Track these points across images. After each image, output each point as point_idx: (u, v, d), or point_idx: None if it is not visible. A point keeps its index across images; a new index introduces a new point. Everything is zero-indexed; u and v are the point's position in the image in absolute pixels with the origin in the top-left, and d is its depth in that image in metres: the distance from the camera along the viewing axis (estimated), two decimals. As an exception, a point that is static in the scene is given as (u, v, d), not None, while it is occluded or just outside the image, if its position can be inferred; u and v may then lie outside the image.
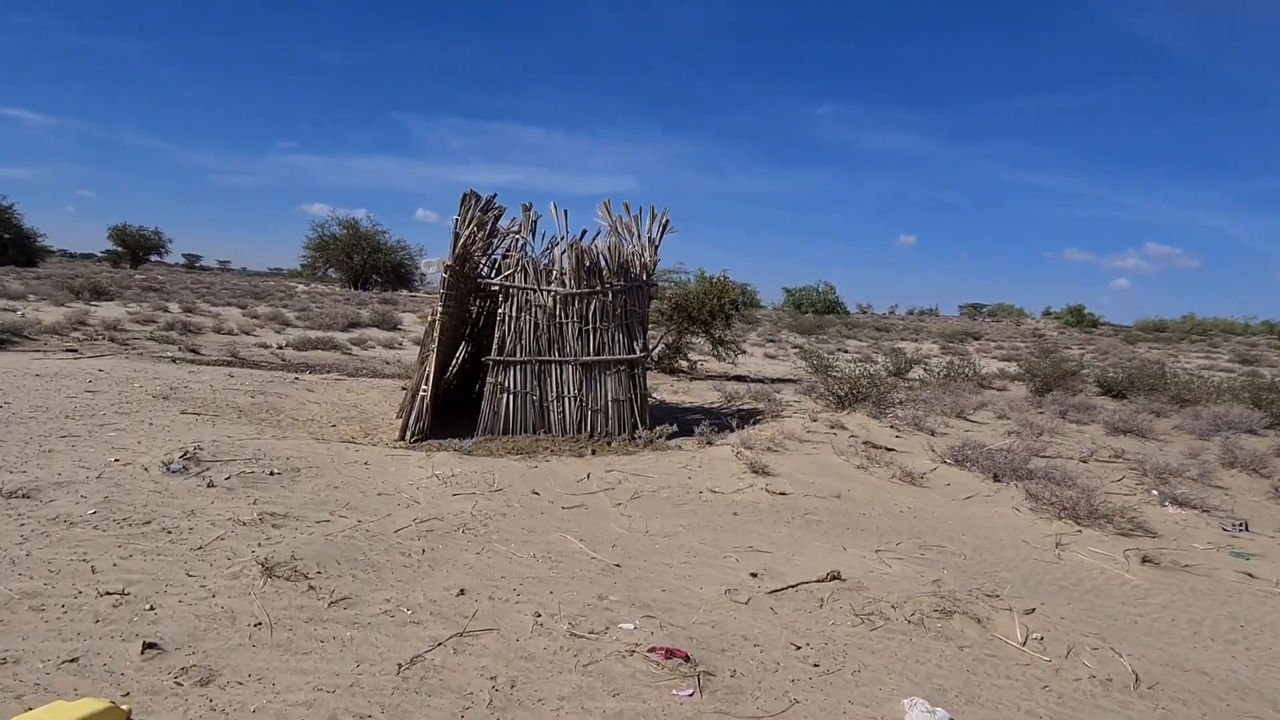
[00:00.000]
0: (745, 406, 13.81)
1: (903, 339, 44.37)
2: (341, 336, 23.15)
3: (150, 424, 8.67)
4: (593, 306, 10.61)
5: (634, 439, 10.51)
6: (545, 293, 10.54)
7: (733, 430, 11.44)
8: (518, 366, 10.40)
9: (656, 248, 11.22)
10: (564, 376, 10.49)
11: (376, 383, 14.62)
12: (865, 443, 9.77)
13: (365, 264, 61.11)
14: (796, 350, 26.64)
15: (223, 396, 11.22)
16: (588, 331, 10.59)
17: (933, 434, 11.07)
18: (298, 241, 64.78)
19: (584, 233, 11.35)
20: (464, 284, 10.83)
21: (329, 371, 15.83)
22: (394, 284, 62.70)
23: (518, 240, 10.78)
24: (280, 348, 20.39)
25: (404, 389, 13.58)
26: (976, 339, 47.99)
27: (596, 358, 10.54)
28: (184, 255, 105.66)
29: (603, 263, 10.71)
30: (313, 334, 22.89)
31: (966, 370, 20.74)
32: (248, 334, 22.96)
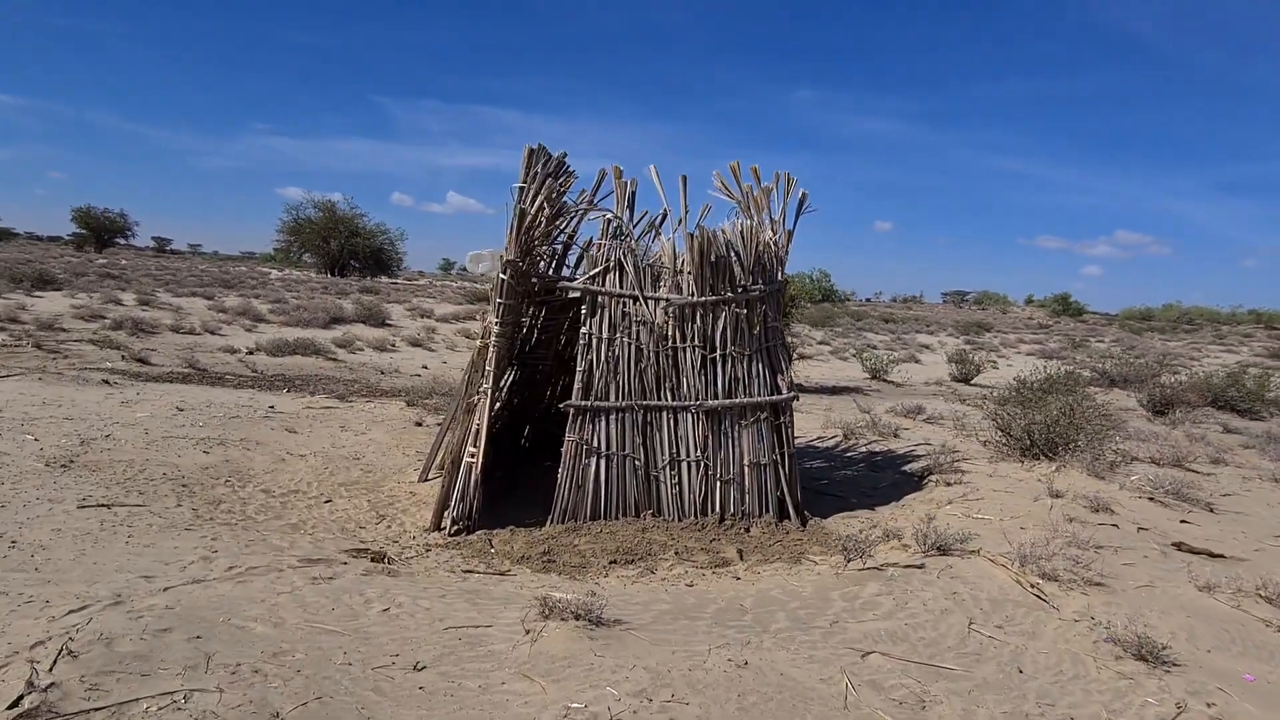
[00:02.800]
0: (877, 447, 10.14)
1: (916, 330, 41.00)
2: (324, 336, 19.20)
3: (9, 546, 4.83)
4: (722, 323, 6.88)
5: (781, 525, 6.83)
6: (653, 302, 6.79)
7: (898, 501, 7.79)
8: (613, 416, 6.66)
9: (791, 234, 7.50)
10: (680, 430, 6.77)
11: (378, 410, 10.78)
12: (1176, 544, 6.15)
13: (343, 249, 56.62)
14: (856, 353, 23.07)
15: (161, 455, 7.36)
16: (713, 361, 6.86)
17: (1211, 509, 7.48)
18: (272, 225, 60.22)
19: (707, 209, 7.67)
20: (523, 287, 7.05)
21: (312, 390, 11.96)
22: (374, 270, 58.29)
23: (609, 222, 6.99)
24: (250, 352, 16.43)
25: (419, 424, 9.76)
26: (988, 330, 44.77)
27: (728, 401, 6.82)
28: (153, 238, 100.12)
29: (734, 257, 6.97)
30: (290, 333, 18.92)
31: (1076, 385, 17.21)
32: (213, 333, 18.94)
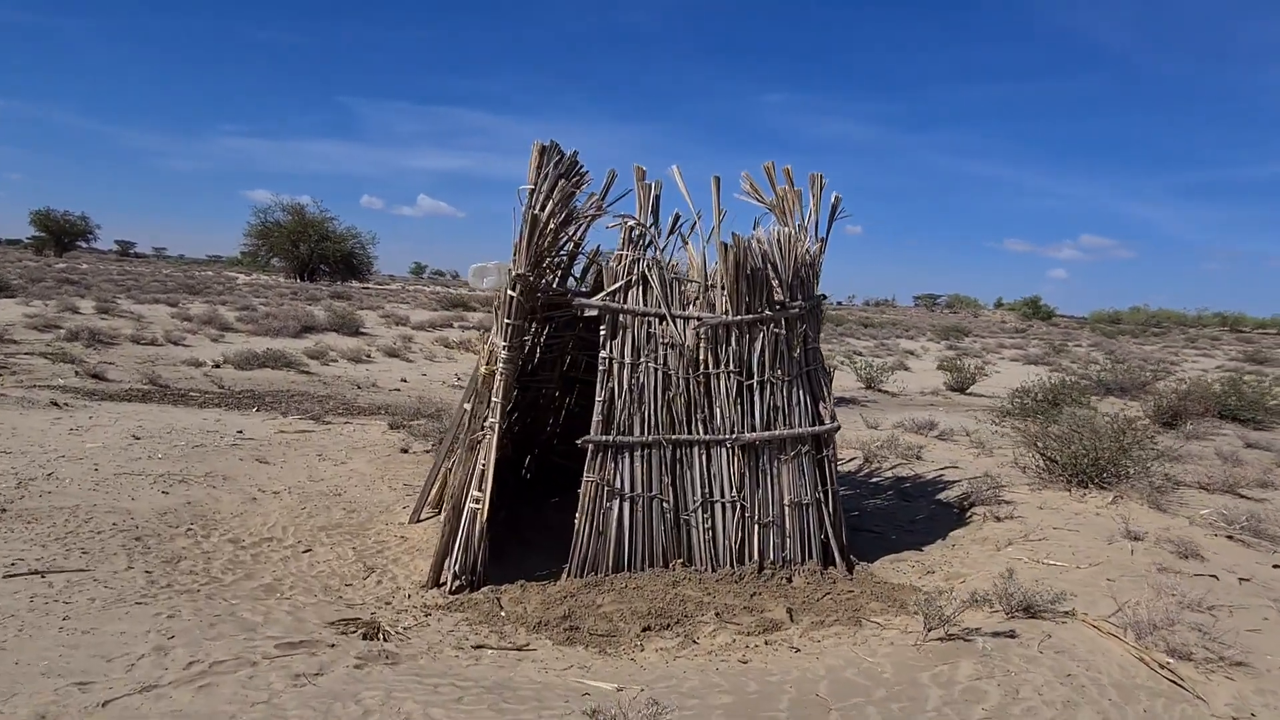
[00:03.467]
0: (903, 471, 9.33)
1: (896, 335, 40.47)
2: (295, 347, 18.10)
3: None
4: (759, 345, 6.02)
5: (827, 572, 5.98)
6: (682, 322, 5.91)
7: (945, 539, 6.98)
8: (637, 453, 5.76)
9: (825, 243, 6.66)
10: (714, 467, 5.89)
11: (358, 433, 9.79)
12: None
13: (313, 253, 55.11)
14: (847, 361, 22.29)
15: (112, 498, 6.35)
16: (749, 389, 5.99)
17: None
18: (239, 228, 58.52)
19: (722, 215, 6.77)
20: (531, 304, 6.14)
21: (284, 410, 10.92)
22: (344, 275, 56.84)
23: (630, 229, 6.08)
24: (217, 365, 15.33)
25: (404, 451, 8.80)
26: (966, 334, 44.40)
27: (767, 433, 5.96)
28: (116, 242, 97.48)
29: (771, 270, 6.11)
30: (259, 343, 17.80)
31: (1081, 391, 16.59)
32: (176, 344, 17.77)
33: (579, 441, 5.74)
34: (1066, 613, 4.86)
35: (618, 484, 5.73)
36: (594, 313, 5.96)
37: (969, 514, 7.50)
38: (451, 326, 26.99)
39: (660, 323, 5.90)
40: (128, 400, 11.04)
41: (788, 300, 6.17)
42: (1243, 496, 8.39)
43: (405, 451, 8.86)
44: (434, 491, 6.89)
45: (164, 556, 5.36)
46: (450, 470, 6.67)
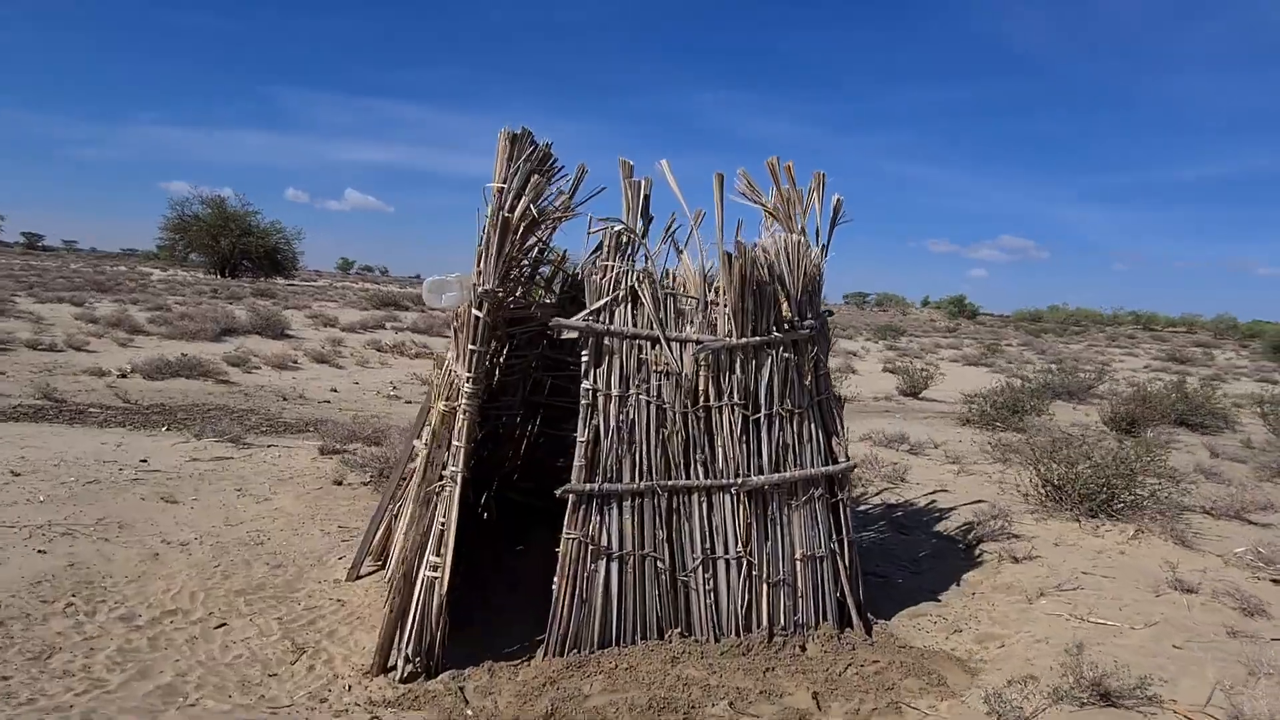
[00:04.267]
0: (892, 498, 8.53)
1: (836, 336, 40.17)
2: (213, 352, 16.60)
3: None
4: (768, 371, 5.09)
5: (844, 636, 5.09)
6: (678, 346, 4.94)
7: (960, 584, 6.18)
8: (627, 503, 4.77)
9: (826, 251, 5.76)
10: (716, 518, 4.94)
11: (284, 459, 8.58)
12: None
13: (234, 248, 52.51)
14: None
15: (-30, 563, 5.10)
16: (756, 423, 5.06)
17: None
18: (156, 221, 55.44)
19: (700, 216, 5.79)
20: (499, 324, 5.09)
21: (199, 430, 9.59)
22: (268, 271, 54.33)
23: (616, 235, 5.05)
24: (123, 375, 13.81)
25: (338, 483, 7.65)
26: (901, 333, 44.45)
27: (777, 476, 5.03)
28: (22, 234, 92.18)
29: (778, 284, 5.18)
30: (172, 348, 16.25)
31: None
32: (79, 349, 16.10)
33: (558, 492, 4.73)
34: (1149, 698, 4.05)
35: (604, 541, 4.74)
36: (573, 334, 4.95)
37: (978, 551, 6.71)
38: (384, 328, 25.54)
39: (653, 347, 4.92)
40: (14, 420, 9.60)
41: (797, 319, 5.25)
42: (1251, 522, 7.80)
43: (339, 484, 7.70)
44: (377, 537, 5.79)
45: (31, 649, 4.18)
46: (395, 514, 5.60)
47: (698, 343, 4.92)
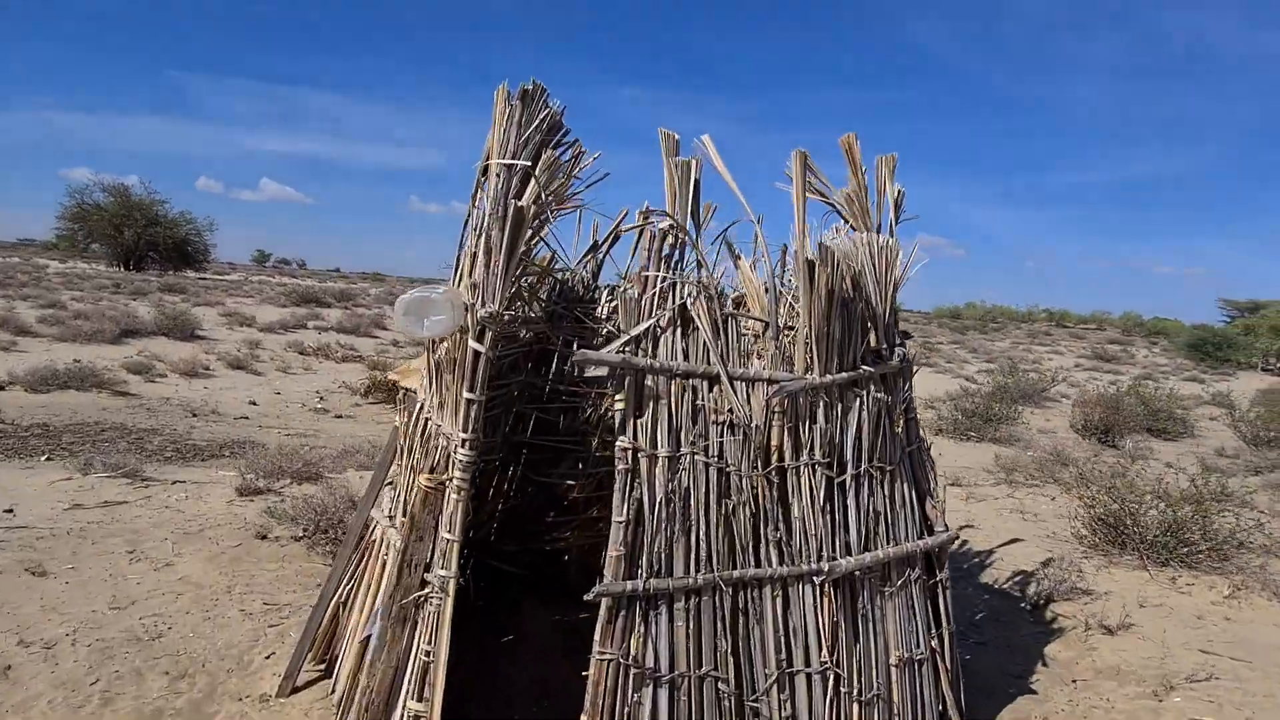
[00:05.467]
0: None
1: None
2: (112, 357, 14.58)
3: None
4: (857, 419, 3.79)
5: (953, 758, 3.85)
6: (745, 387, 3.59)
7: (1049, 665, 5.02)
8: (679, 605, 3.41)
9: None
10: (794, 618, 3.62)
11: (193, 503, 6.94)
12: None
13: (140, 239, 48.99)
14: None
15: None
16: (840, 487, 3.75)
17: None
18: (55, 210, 51.33)
19: (711, 211, 4.42)
20: (498, 351, 3.66)
21: (83, 461, 7.82)
22: (176, 264, 50.92)
23: (660, 237, 3.66)
24: (1, 388, 11.80)
25: (263, 537, 6.12)
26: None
27: (870, 556, 3.74)
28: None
29: (865, 300, 3.89)
30: (64, 353, 14.19)
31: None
32: (-50, 356, 13.90)
33: (588, 596, 3.34)
34: None
35: (650, 660, 3.37)
36: (600, 371, 3.56)
37: (1049, 614, 5.57)
38: (306, 328, 23.52)
39: (711, 389, 3.57)
40: None
41: (885, 347, 3.98)
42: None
43: (264, 538, 6.13)
44: (320, 628, 4.31)
45: None
46: (346, 601, 4.15)
47: (771, 382, 3.59)
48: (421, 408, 3.66)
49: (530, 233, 3.54)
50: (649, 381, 3.47)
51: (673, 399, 3.50)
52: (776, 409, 3.58)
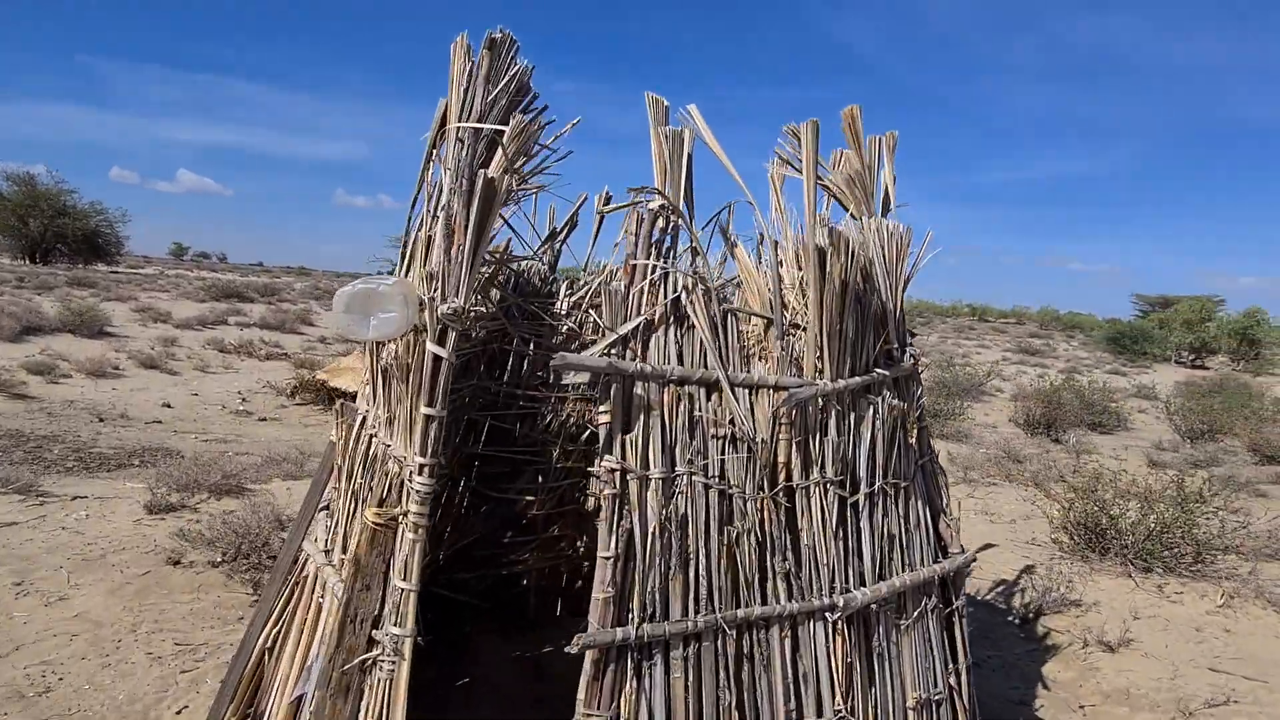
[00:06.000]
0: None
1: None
2: (11, 355, 13.39)
3: None
4: (872, 430, 3.30)
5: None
6: (745, 393, 3.06)
7: (1049, 687, 4.65)
8: (676, 652, 2.87)
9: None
10: (805, 660, 3.11)
11: (95, 521, 6.14)
12: None
13: (46, 231, 46.26)
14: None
15: None
16: (854, 508, 3.26)
17: None
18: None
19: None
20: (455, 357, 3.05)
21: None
22: (86, 257, 48.27)
23: (650, 219, 3.10)
24: (-121, 392, 10.63)
25: (176, 563, 5.40)
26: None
27: (886, 585, 3.26)
28: None
29: (875, 291, 3.40)
30: (-47, 356, 12.94)
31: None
32: None
33: (570, 648, 2.76)
34: None
35: (642, 710, 2.83)
36: (580, 377, 2.98)
37: (1041, 629, 5.21)
38: (226, 324, 22.26)
39: (710, 397, 3.04)
40: None
41: (897, 347, 3.51)
42: (1292, 563, 6.70)
43: (176, 564, 5.38)
44: (245, 675, 3.64)
45: None
46: (273, 649, 3.49)
47: (777, 389, 3.07)
48: (364, 422, 3.04)
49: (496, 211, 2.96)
50: (639, 389, 2.92)
51: (666, 409, 2.96)
52: (784, 420, 3.07)
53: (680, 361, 3.01)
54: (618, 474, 2.85)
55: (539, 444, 4.79)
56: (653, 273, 3.00)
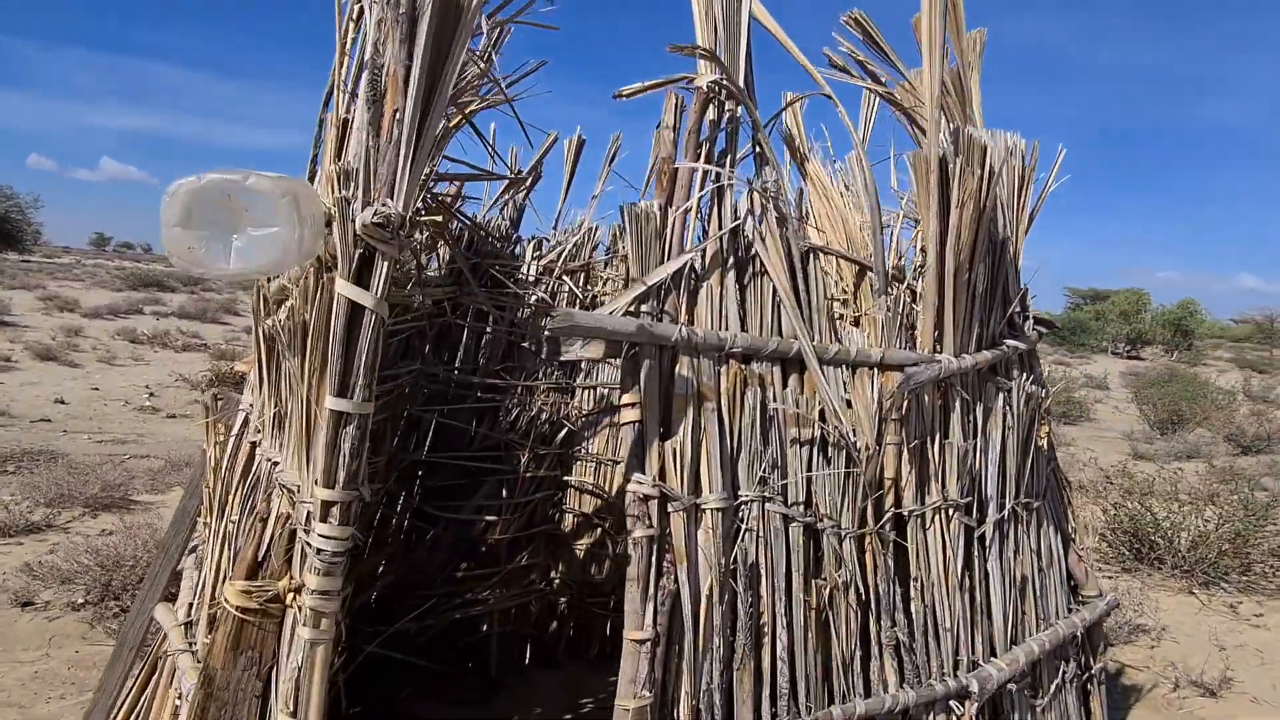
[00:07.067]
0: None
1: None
2: (-123, 349, 11.67)
3: None
4: (1000, 428, 2.26)
5: None
6: (835, 375, 1.98)
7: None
8: (752, 784, 1.79)
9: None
10: (924, 773, 2.06)
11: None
12: None
13: (-49, 217, 43.00)
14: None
15: None
16: (980, 542, 2.21)
17: None
18: None
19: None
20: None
21: None
22: (-4, 244, 45.08)
23: (703, 96, 2.01)
24: None
25: (25, 605, 4.09)
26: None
27: (1023, 653, 2.22)
28: None
29: (998, 220, 2.35)
30: None
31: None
32: None
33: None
34: None
35: None
36: (590, 349, 1.87)
37: (1109, 661, 4.27)
38: (141, 313, 20.45)
39: (787, 380, 1.96)
40: None
41: (1019, 311, 2.48)
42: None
43: (26, 606, 4.10)
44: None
45: None
46: (137, 702, 2.31)
47: (883, 367, 2.01)
48: (246, 425, 1.90)
49: (445, 119, 1.85)
50: (684, 369, 1.83)
51: (726, 400, 1.87)
52: (894, 414, 2.01)
53: (744, 326, 1.93)
54: (654, 502, 1.76)
55: (501, 448, 3.65)
56: (702, 187, 1.91)
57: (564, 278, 3.92)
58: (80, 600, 4.06)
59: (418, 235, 2.35)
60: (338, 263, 1.40)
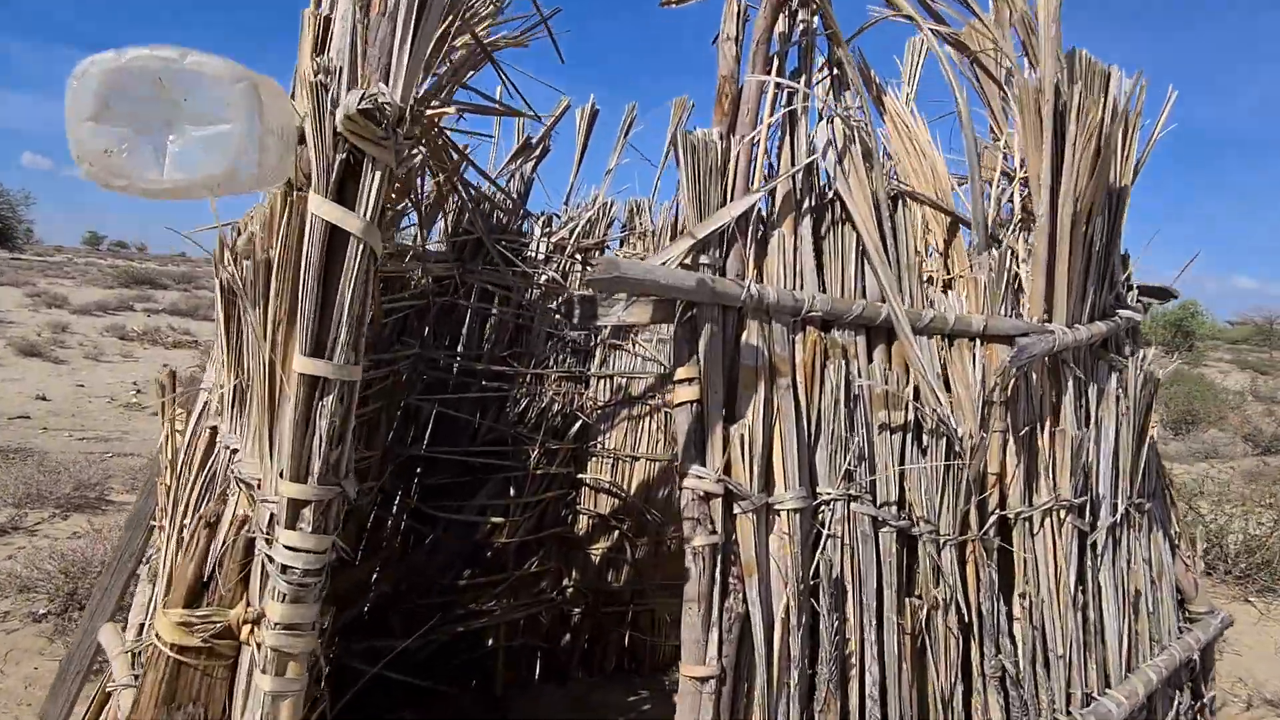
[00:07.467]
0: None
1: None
2: None
3: None
4: (1114, 410, 1.88)
5: None
6: (929, 346, 1.61)
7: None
8: None
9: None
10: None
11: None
12: None
13: (-59, 215, 42.58)
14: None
15: None
16: (1092, 550, 1.84)
17: None
18: None
19: None
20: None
21: None
22: (-12, 242, 44.62)
23: (774, 9, 1.65)
24: None
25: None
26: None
27: (1139, 687, 1.85)
28: None
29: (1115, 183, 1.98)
30: None
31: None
32: None
33: None
34: None
35: None
36: (638, 313, 1.49)
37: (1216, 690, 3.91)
38: (132, 309, 20.01)
39: (871, 355, 1.58)
40: None
41: (1123, 280, 2.11)
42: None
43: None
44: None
45: None
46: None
47: (986, 338, 1.64)
48: (205, 410, 1.52)
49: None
50: (751, 336, 1.45)
51: (802, 375, 1.50)
52: (999, 396, 1.64)
53: (822, 286, 1.56)
54: (718, 502, 1.39)
55: (508, 441, 3.28)
56: (772, 112, 1.54)
57: (576, 256, 3.56)
58: (42, 610, 3.68)
59: (419, 151, 1.96)
60: (312, 179, 1.02)
